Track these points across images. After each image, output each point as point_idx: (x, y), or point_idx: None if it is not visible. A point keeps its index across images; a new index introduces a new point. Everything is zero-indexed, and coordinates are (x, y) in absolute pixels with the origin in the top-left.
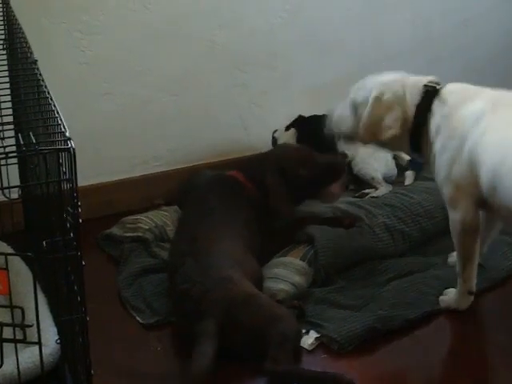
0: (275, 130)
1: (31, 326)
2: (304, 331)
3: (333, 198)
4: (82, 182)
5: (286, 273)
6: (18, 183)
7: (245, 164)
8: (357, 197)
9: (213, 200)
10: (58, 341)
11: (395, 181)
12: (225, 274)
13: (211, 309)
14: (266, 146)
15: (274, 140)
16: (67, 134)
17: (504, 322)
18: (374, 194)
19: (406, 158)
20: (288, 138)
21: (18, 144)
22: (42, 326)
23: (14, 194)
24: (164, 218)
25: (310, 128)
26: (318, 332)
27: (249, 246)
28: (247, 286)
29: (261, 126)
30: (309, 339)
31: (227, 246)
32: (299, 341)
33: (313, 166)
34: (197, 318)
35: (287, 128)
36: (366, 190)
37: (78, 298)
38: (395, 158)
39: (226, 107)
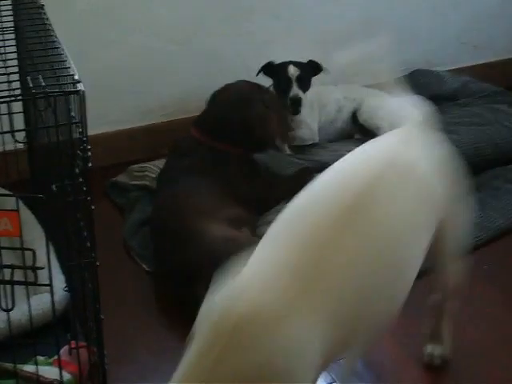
0: (270, 85)
1: (43, 267)
2: None
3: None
4: (88, 131)
5: None
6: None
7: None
8: None
9: (186, 160)
10: (66, 288)
11: None
12: (195, 228)
13: (195, 269)
14: None
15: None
16: (76, 77)
17: (511, 272)
18: None
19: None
20: None
21: (26, 87)
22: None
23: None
24: None
25: (275, 72)
26: None
27: (229, 197)
28: (219, 230)
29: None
30: None
31: (198, 200)
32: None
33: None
34: (181, 280)
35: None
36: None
37: (88, 244)
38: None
39: (232, 56)
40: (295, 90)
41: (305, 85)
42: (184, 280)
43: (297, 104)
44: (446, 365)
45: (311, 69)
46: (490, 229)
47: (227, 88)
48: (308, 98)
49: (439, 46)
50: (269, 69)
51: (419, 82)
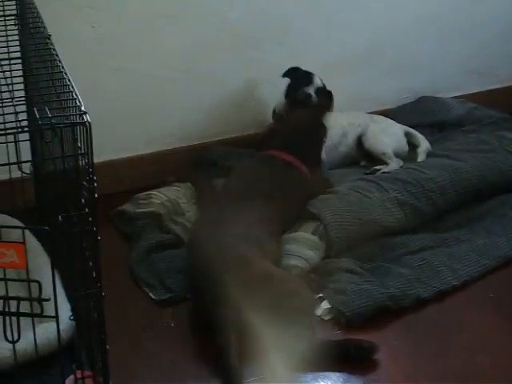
0: (276, 104)
1: (49, 299)
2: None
3: None
4: (94, 158)
5: (298, 248)
6: (28, 159)
7: (285, 142)
8: (368, 173)
9: (254, 181)
10: (72, 317)
11: (408, 158)
12: (241, 254)
13: (226, 292)
14: None
15: (274, 112)
16: (82, 108)
17: None
18: (386, 170)
19: (419, 135)
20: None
21: (32, 118)
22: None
23: (26, 171)
24: (177, 194)
25: (301, 76)
26: (329, 303)
27: (279, 228)
28: (263, 265)
29: (273, 101)
30: (320, 310)
31: (252, 229)
32: (314, 311)
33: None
34: (211, 300)
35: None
36: (377, 167)
37: (94, 274)
38: (407, 135)
39: (235, 83)
40: (310, 90)
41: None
42: (212, 301)
43: (309, 100)
44: None
45: (327, 95)
46: (495, 256)
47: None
48: None
49: (444, 73)
50: (294, 73)
51: (425, 108)
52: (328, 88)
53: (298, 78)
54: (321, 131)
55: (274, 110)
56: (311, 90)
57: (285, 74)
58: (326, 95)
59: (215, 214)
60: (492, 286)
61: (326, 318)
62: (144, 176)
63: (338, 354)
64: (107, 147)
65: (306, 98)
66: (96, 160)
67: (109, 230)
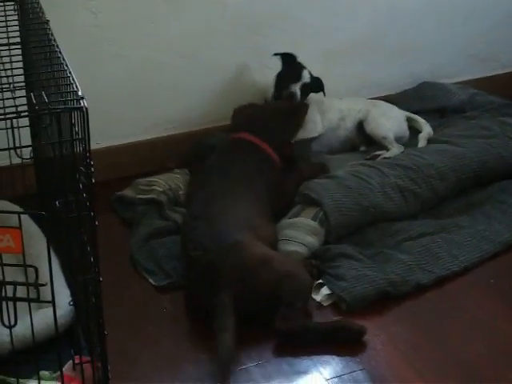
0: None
1: (45, 284)
2: (317, 283)
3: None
4: (94, 145)
5: (298, 234)
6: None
7: (249, 125)
8: (368, 159)
9: (230, 164)
10: (71, 302)
11: (408, 143)
12: (235, 239)
13: (224, 278)
14: None
15: (265, 100)
16: (79, 94)
17: None
18: (386, 155)
19: (421, 120)
20: None
21: (30, 103)
22: (55, 287)
23: (26, 156)
24: (177, 182)
25: (292, 66)
26: (329, 289)
27: (266, 210)
28: (258, 248)
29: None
30: (320, 296)
31: (241, 210)
32: (309, 294)
33: None
34: (210, 287)
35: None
36: (378, 152)
37: (91, 259)
38: (408, 120)
39: (237, 70)
40: (295, 89)
41: (306, 93)
42: (209, 288)
43: (293, 99)
44: (450, 377)
45: (317, 84)
46: (495, 242)
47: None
48: (309, 98)
49: (446, 59)
50: (288, 58)
51: (426, 94)
52: (329, 74)
53: (287, 71)
54: (290, 123)
55: (265, 100)
56: (296, 88)
57: (278, 55)
58: (312, 88)
59: (204, 201)
60: (492, 272)
61: (326, 303)
62: (143, 162)
63: (328, 336)
64: (106, 133)
65: (289, 97)
66: (95, 146)
67: (108, 215)
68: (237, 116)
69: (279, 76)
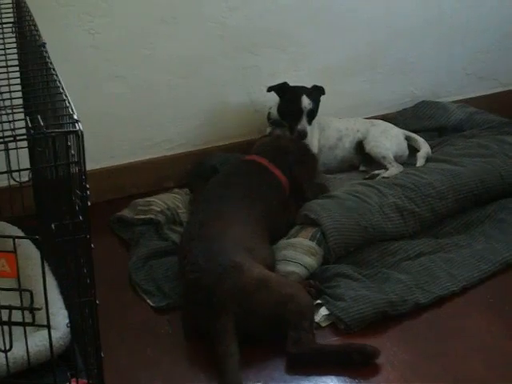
0: (270, 107)
1: (40, 309)
2: (315, 303)
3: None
4: (93, 165)
5: (296, 254)
6: (28, 166)
7: (263, 150)
8: (367, 178)
9: (233, 184)
10: (69, 324)
11: (407, 162)
12: (232, 260)
13: (223, 301)
14: None
15: (269, 115)
16: (75, 117)
17: None
18: (385, 175)
19: (419, 139)
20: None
21: (26, 127)
22: (52, 310)
23: (25, 178)
24: (176, 201)
25: (289, 99)
26: (328, 309)
27: (264, 232)
28: (256, 270)
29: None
30: (318, 316)
31: (238, 232)
32: (313, 314)
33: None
34: (208, 309)
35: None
36: (376, 172)
37: (88, 281)
38: (407, 138)
39: (237, 89)
40: (304, 124)
41: (314, 114)
42: (210, 312)
43: (302, 137)
44: None
45: (318, 93)
46: (494, 262)
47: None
48: None
49: (445, 78)
50: (282, 90)
51: (425, 113)
52: (328, 93)
53: (287, 105)
54: (303, 149)
55: (269, 114)
56: (304, 125)
57: (271, 90)
58: (316, 100)
59: (201, 222)
60: (491, 292)
61: (324, 324)
62: (143, 182)
63: (340, 359)
64: (106, 154)
65: (300, 136)
66: (95, 166)
67: (107, 236)
68: (256, 144)
69: (281, 111)
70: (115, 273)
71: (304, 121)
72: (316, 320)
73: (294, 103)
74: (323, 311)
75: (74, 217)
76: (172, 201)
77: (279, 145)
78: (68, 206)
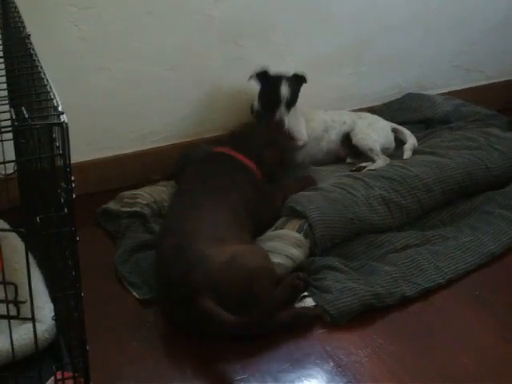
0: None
1: (24, 302)
2: (302, 295)
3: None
4: (79, 157)
5: (282, 246)
6: (13, 158)
7: (226, 139)
8: (353, 170)
9: (203, 176)
10: (54, 317)
11: (393, 154)
12: (202, 253)
13: (197, 291)
14: None
15: (252, 106)
16: (60, 109)
17: (502, 297)
18: (372, 167)
19: (406, 131)
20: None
21: (11, 119)
22: (37, 303)
23: (10, 170)
24: (162, 194)
25: (268, 86)
26: (314, 300)
27: (240, 222)
28: (224, 256)
29: None
30: (302, 304)
31: (210, 223)
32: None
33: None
34: (184, 302)
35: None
36: (363, 164)
37: (73, 274)
38: (394, 131)
39: (223, 81)
40: (282, 113)
41: (292, 102)
42: (184, 302)
43: (281, 125)
44: None
45: (299, 82)
46: (480, 254)
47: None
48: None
49: (431, 70)
50: (262, 77)
51: (411, 105)
52: (314, 85)
53: (266, 92)
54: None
55: (252, 106)
56: (283, 113)
57: (251, 78)
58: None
59: (172, 216)
60: (477, 284)
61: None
62: (130, 174)
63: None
64: (92, 146)
65: (279, 124)
66: (80, 159)
67: (93, 228)
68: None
69: (261, 97)
70: (101, 265)
71: (282, 109)
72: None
73: (273, 92)
74: (309, 302)
75: (59, 209)
76: (158, 193)
77: (243, 132)
78: (53, 198)
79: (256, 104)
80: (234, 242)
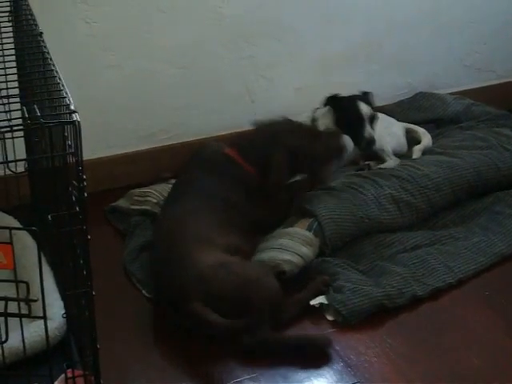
0: (316, 108)
1: (36, 300)
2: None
3: (327, 177)
4: (90, 154)
5: (293, 243)
6: (25, 156)
7: (243, 141)
8: (359, 169)
9: (198, 177)
10: (65, 315)
11: (404, 155)
12: (190, 254)
13: (186, 292)
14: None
15: (314, 119)
16: (72, 107)
17: None
18: (382, 166)
19: (420, 130)
20: (325, 117)
21: (23, 117)
22: (48, 301)
23: (20, 168)
24: None
25: (345, 108)
26: (326, 299)
27: (230, 223)
28: (212, 258)
29: (268, 98)
30: (314, 301)
31: (199, 224)
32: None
33: (317, 146)
34: (175, 303)
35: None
36: (369, 162)
37: (84, 272)
38: (408, 131)
39: (234, 80)
40: (369, 131)
41: (374, 122)
42: (175, 305)
43: (371, 144)
44: None
45: (368, 97)
46: (491, 254)
47: (272, 124)
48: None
49: (442, 69)
50: (334, 102)
51: (422, 104)
52: (325, 84)
53: (348, 116)
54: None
55: (314, 116)
56: (372, 132)
57: (325, 106)
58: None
59: (166, 216)
60: (487, 284)
61: (331, 318)
62: (140, 172)
63: (294, 350)
64: (103, 143)
65: (370, 143)
66: (92, 156)
67: (103, 226)
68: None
69: (339, 122)
70: (110, 263)
71: (368, 127)
72: (312, 303)
73: (352, 111)
74: (322, 300)
75: (70, 208)
76: (168, 190)
77: (257, 132)
78: (65, 196)
79: (318, 114)
80: (223, 241)
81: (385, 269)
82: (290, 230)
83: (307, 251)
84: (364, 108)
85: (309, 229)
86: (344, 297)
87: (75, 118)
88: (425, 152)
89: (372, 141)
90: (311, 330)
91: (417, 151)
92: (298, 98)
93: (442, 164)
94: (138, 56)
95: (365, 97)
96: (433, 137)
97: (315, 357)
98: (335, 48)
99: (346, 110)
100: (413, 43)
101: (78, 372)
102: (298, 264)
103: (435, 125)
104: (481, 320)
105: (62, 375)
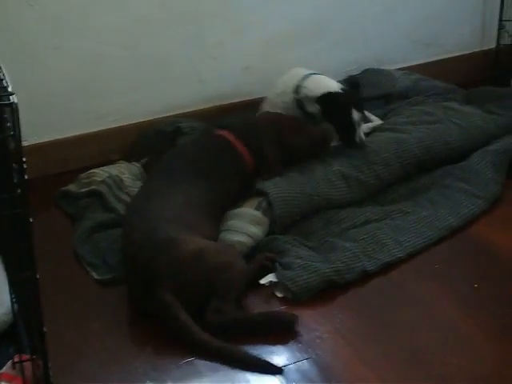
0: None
1: None
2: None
3: None
4: (38, 138)
5: (241, 224)
6: None
7: (235, 126)
8: None
9: (187, 158)
10: (13, 300)
11: None
12: (169, 236)
13: (159, 276)
14: (221, 98)
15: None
16: (9, 89)
17: (462, 270)
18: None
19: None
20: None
21: None
22: None
23: None
24: (120, 168)
25: (338, 116)
26: (275, 277)
27: (216, 209)
28: (192, 245)
29: (216, 78)
30: (264, 280)
31: (180, 208)
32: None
33: (305, 137)
34: (146, 285)
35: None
36: None
37: (28, 256)
38: None
39: (181, 60)
40: (360, 136)
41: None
42: (145, 290)
43: (362, 148)
44: (397, 365)
45: (357, 88)
46: (440, 227)
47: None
48: None
49: (390, 45)
50: (326, 103)
51: (370, 81)
52: (272, 61)
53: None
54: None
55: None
56: (361, 137)
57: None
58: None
59: (146, 195)
60: (437, 258)
61: (280, 295)
62: (89, 155)
63: (261, 327)
64: (51, 127)
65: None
66: (39, 140)
67: (53, 211)
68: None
69: (335, 127)
70: (60, 248)
71: (359, 131)
72: (261, 282)
73: (344, 117)
74: (271, 278)
75: (11, 191)
76: (115, 169)
77: (254, 121)
78: (6, 179)
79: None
80: (202, 229)
81: (335, 245)
82: (238, 210)
83: (256, 230)
84: (355, 115)
85: (257, 208)
86: (293, 273)
87: (12, 100)
88: (373, 130)
89: (363, 144)
90: (262, 309)
91: (365, 128)
92: (246, 76)
93: (391, 140)
94: (83, 38)
95: (354, 85)
96: (383, 113)
97: (266, 335)
98: (283, 26)
99: (339, 118)
100: (360, 20)
101: (25, 356)
102: (247, 244)
103: (384, 100)
104: (431, 293)
105: (10, 360)
